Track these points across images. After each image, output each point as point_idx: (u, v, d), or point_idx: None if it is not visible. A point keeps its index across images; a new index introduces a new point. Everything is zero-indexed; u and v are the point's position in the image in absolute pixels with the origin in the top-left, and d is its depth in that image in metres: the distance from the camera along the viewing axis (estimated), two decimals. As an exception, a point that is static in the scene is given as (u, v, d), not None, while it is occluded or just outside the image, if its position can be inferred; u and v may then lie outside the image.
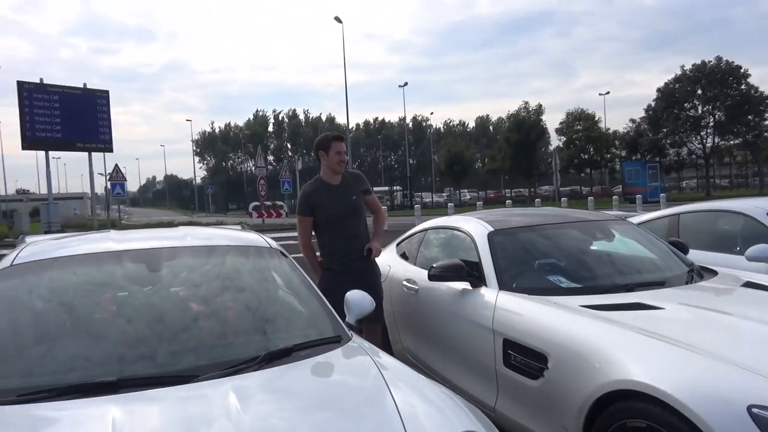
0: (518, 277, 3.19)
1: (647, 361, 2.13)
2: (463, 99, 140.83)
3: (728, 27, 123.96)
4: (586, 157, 44.46)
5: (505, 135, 46.08)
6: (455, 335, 3.29)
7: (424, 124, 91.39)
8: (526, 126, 43.44)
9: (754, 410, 1.79)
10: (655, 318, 2.53)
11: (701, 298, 2.94)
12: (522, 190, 49.73)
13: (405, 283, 3.98)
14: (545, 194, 43.52)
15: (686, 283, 3.15)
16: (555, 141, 48.13)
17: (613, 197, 26.34)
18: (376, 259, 3.86)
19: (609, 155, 45.04)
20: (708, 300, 2.93)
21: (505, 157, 45.04)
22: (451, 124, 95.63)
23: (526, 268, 3.33)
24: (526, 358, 2.66)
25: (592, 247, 3.62)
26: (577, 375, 2.32)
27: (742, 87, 37.48)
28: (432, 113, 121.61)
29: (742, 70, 37.54)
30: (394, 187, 49.53)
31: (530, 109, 44.69)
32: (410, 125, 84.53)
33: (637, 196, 23.49)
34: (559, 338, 2.51)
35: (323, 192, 3.74)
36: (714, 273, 3.39)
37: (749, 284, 3.08)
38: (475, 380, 3.06)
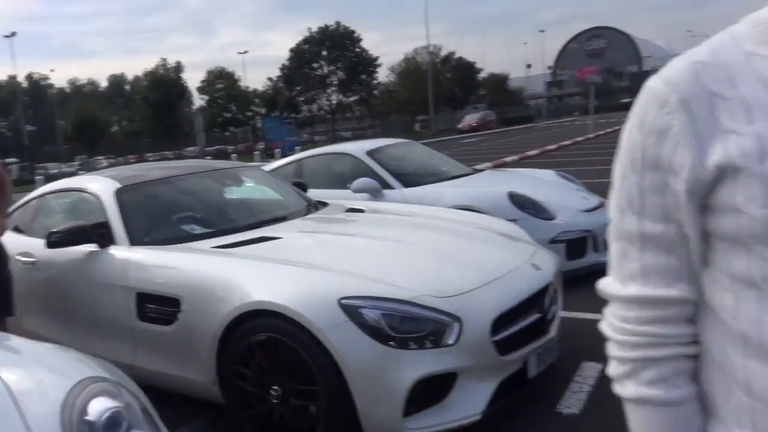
0: (152, 231, 3.15)
1: (264, 283, 2.40)
2: (93, 55, 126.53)
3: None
4: (230, 115, 45.34)
5: (144, 94, 43.30)
6: (85, 301, 3.10)
7: (43, 83, 78.48)
8: (165, 84, 41.64)
9: (343, 301, 2.21)
10: (274, 247, 2.85)
11: (313, 225, 3.44)
12: (167, 152, 47.88)
13: (18, 257, 3.49)
14: (191, 155, 42.85)
15: (304, 216, 3.61)
16: (198, 100, 47.54)
17: (254, 153, 27.63)
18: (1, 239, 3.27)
19: (251, 113, 46.86)
20: (318, 226, 3.45)
21: (146, 117, 42.48)
22: (78, 83, 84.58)
23: (160, 220, 3.31)
24: (160, 306, 2.68)
25: (226, 195, 3.79)
26: (208, 309, 2.47)
27: (357, 50, 43.35)
28: (53, 70, 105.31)
29: (355, 35, 43.25)
30: (8, 160, 41.70)
31: (169, 66, 42.87)
32: (26, 85, 71.82)
33: (276, 150, 25.24)
34: (189, 280, 2.60)
35: None
36: (326, 205, 3.96)
37: (350, 209, 3.77)
38: (110, 342, 2.95)
